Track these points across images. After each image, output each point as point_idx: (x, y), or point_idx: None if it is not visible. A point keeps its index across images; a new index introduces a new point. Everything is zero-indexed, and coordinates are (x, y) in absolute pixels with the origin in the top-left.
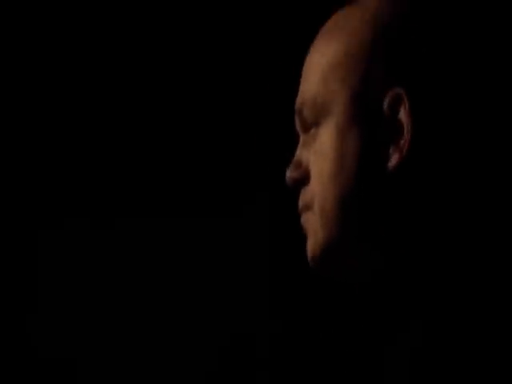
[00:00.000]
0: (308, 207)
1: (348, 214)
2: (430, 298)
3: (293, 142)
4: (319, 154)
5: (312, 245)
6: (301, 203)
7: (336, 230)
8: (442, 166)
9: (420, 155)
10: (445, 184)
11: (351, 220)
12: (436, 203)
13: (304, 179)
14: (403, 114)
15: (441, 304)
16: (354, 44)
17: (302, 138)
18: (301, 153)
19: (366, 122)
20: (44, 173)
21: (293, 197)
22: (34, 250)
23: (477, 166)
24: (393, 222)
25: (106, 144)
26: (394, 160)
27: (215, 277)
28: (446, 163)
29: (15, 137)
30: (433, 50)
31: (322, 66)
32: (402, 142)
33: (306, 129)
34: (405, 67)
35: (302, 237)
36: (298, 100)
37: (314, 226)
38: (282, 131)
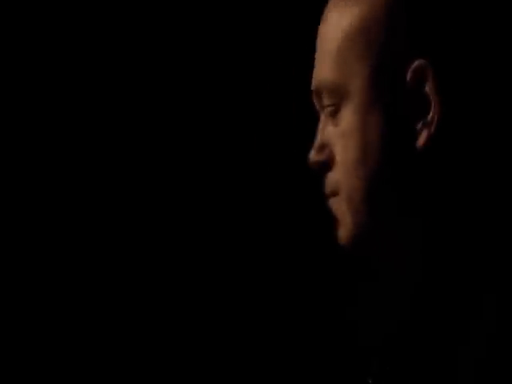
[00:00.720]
0: (334, 193)
1: (377, 199)
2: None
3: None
4: (342, 137)
5: (342, 232)
6: (327, 189)
7: (365, 216)
8: (472, 139)
9: (449, 130)
10: (477, 158)
11: (381, 205)
12: (469, 179)
13: (328, 162)
14: (429, 87)
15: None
16: (371, 15)
17: (322, 119)
18: (322, 134)
19: (389, 98)
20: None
21: None
22: None
23: (508, 139)
24: (425, 202)
25: None
26: (422, 137)
27: None
28: (476, 136)
29: None
30: (457, 17)
31: (337, 42)
32: (430, 117)
33: (326, 109)
34: (428, 37)
35: None
36: (315, 80)
37: (342, 212)
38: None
